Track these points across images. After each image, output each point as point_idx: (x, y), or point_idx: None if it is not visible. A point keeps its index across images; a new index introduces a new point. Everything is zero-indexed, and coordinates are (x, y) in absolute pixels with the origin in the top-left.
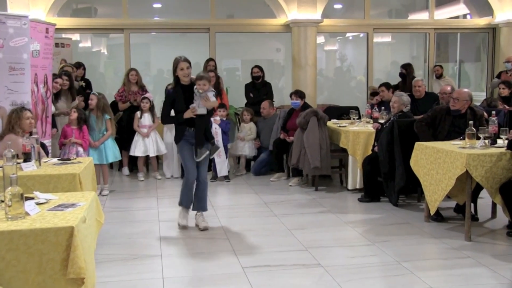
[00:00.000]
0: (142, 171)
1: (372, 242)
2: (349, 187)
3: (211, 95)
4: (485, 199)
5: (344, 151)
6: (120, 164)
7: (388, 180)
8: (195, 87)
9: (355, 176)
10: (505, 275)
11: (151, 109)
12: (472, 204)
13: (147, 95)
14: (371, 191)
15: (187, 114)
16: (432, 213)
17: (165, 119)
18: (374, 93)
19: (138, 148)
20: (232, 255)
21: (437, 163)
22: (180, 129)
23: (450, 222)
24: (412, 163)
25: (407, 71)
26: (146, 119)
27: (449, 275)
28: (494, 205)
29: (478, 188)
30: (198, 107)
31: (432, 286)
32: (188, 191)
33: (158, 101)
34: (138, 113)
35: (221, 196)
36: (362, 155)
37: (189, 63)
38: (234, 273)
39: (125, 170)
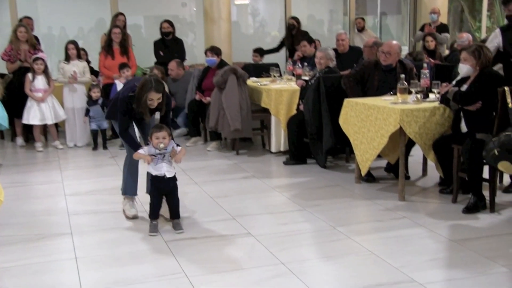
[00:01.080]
0: (40, 140)
1: (302, 207)
2: (273, 149)
3: (177, 149)
4: (415, 157)
5: (266, 111)
6: (12, 134)
7: (315, 141)
8: (155, 143)
9: (278, 138)
10: (442, 233)
11: (45, 71)
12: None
13: (40, 55)
14: (297, 153)
15: (144, 157)
16: (363, 173)
17: (124, 135)
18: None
19: (33, 116)
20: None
21: (368, 121)
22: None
23: (381, 183)
24: (341, 121)
25: (298, 23)
26: (40, 81)
27: (386, 237)
28: (424, 163)
29: (409, 145)
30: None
31: (371, 249)
32: (132, 174)
33: (53, 63)
34: (30, 75)
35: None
36: (286, 115)
37: (162, 93)
38: (157, 248)
39: (19, 141)
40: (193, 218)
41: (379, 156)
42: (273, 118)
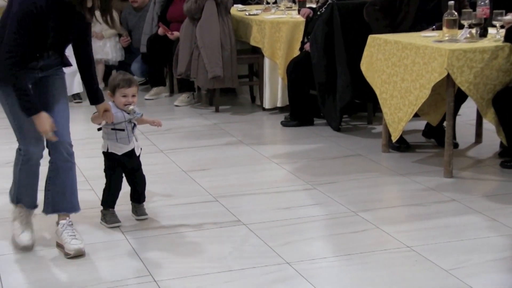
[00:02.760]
0: None
1: (311, 186)
2: (266, 105)
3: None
4: (465, 117)
5: (257, 51)
6: None
7: (326, 94)
8: (121, 104)
9: (274, 90)
10: (507, 223)
11: None
12: None
13: None
14: (301, 111)
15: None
16: (394, 139)
17: (19, 86)
18: None
19: None
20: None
21: (402, 66)
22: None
23: (419, 152)
24: (363, 66)
25: None
26: None
27: (429, 228)
28: (479, 125)
29: (458, 100)
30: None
31: (408, 244)
32: (29, 175)
33: None
34: None
35: (74, 125)
36: (285, 57)
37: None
38: (113, 243)
39: None
40: (160, 201)
41: (416, 116)
42: (266, 62)
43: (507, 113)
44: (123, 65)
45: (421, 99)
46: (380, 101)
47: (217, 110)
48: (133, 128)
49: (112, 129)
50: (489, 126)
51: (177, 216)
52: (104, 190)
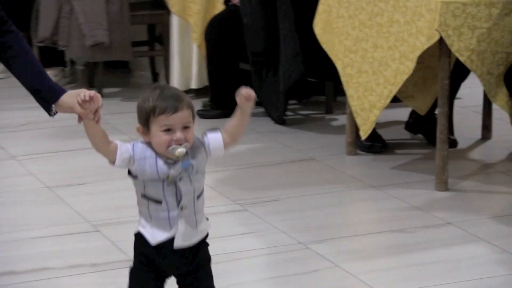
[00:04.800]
0: None
1: (241, 206)
2: (176, 86)
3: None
4: (464, 102)
5: (161, 6)
6: None
7: (264, 70)
8: (171, 148)
9: (186, 64)
10: None
11: None
12: None
13: None
14: (226, 95)
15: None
16: (363, 135)
17: None
18: None
19: None
20: None
21: (375, 26)
22: None
23: (399, 153)
24: (318, 28)
25: None
26: None
27: (414, 264)
28: (487, 114)
29: (456, 78)
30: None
31: None
32: None
33: None
34: None
35: None
36: (202, 15)
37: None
38: None
39: None
40: (9, 233)
41: (395, 100)
42: (175, 22)
43: None
44: None
45: (402, 76)
46: (343, 79)
47: (100, 93)
48: (179, 197)
49: (143, 195)
50: (501, 115)
51: (37, 255)
52: None
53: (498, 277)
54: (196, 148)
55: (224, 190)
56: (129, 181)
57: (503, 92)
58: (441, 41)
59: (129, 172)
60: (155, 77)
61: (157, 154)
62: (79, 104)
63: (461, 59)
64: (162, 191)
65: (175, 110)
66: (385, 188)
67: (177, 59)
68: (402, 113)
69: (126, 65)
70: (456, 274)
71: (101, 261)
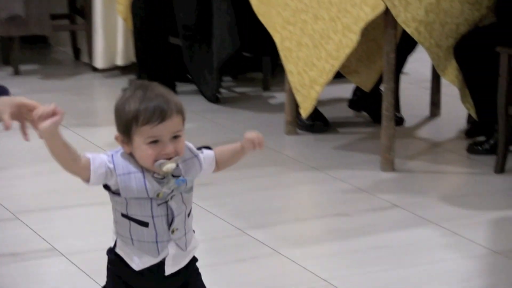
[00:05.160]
0: None
1: None
2: (99, 64)
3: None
4: (412, 77)
5: None
6: None
7: (196, 44)
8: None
9: (111, 39)
10: (475, 238)
11: None
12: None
13: None
14: (155, 72)
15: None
16: (304, 113)
17: None
18: None
19: None
20: None
21: None
22: None
23: (342, 132)
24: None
25: None
26: None
27: (358, 250)
28: (436, 89)
29: (402, 51)
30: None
31: (325, 277)
32: None
33: None
34: None
35: None
36: None
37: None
38: None
39: None
40: None
41: (338, 76)
42: None
43: (476, 68)
44: None
45: (345, 49)
46: (282, 53)
47: (16, 73)
48: (170, 219)
49: (124, 215)
50: (451, 91)
51: None
52: None
53: (448, 261)
54: (188, 160)
55: None
56: (51, 165)
57: (452, 66)
58: (386, 11)
59: (106, 187)
60: (76, 53)
61: (143, 167)
62: (34, 120)
63: (408, 30)
64: (150, 211)
65: (162, 118)
66: (327, 169)
67: (101, 33)
68: (345, 90)
69: (44, 40)
70: (403, 259)
71: (22, 250)
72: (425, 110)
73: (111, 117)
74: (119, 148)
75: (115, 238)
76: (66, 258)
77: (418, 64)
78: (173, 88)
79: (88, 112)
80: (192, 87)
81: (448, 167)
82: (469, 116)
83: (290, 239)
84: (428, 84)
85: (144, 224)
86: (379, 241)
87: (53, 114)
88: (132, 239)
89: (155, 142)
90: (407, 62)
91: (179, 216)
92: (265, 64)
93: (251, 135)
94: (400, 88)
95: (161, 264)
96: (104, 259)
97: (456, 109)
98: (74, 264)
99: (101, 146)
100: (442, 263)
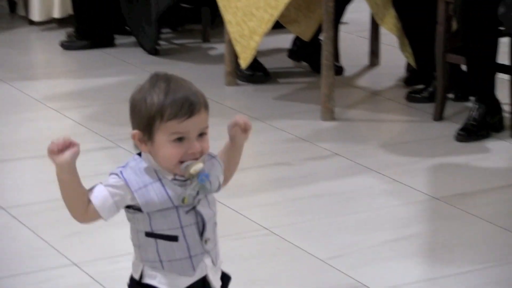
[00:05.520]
0: None
1: (113, 143)
2: (36, 16)
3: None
4: (351, 26)
5: None
6: None
7: None
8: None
9: None
10: (414, 184)
11: None
12: None
13: None
14: (92, 24)
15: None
16: (244, 64)
17: None
18: None
19: None
20: None
21: None
22: None
23: (282, 82)
24: None
25: None
26: None
27: (298, 198)
28: (373, 38)
29: (340, 1)
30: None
31: (267, 226)
32: None
33: None
34: None
35: None
36: None
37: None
38: None
39: None
40: None
41: (278, 26)
42: None
43: (415, 16)
44: None
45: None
46: (220, 4)
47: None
48: (201, 227)
49: (148, 234)
50: (390, 40)
51: None
52: None
53: (388, 207)
54: (207, 162)
55: (93, 126)
56: None
57: (391, 14)
58: None
59: (129, 206)
60: (12, 6)
61: (158, 173)
62: (53, 152)
63: None
64: (178, 221)
65: (191, 113)
66: (268, 119)
67: None
68: (285, 40)
69: None
70: (345, 207)
71: None
72: (364, 59)
73: (48, 70)
74: (124, 163)
75: (140, 268)
76: (6, 211)
77: (357, 14)
78: (111, 40)
79: (25, 65)
80: (131, 39)
81: (387, 115)
82: (408, 65)
83: (231, 189)
84: (367, 33)
85: (173, 239)
86: (320, 189)
87: (69, 145)
88: (161, 261)
89: (180, 139)
90: (346, 11)
91: (209, 223)
92: (204, 15)
93: (230, 122)
94: (339, 37)
95: (204, 281)
96: (45, 211)
97: (395, 58)
98: (15, 217)
99: (38, 99)
100: (383, 209)
